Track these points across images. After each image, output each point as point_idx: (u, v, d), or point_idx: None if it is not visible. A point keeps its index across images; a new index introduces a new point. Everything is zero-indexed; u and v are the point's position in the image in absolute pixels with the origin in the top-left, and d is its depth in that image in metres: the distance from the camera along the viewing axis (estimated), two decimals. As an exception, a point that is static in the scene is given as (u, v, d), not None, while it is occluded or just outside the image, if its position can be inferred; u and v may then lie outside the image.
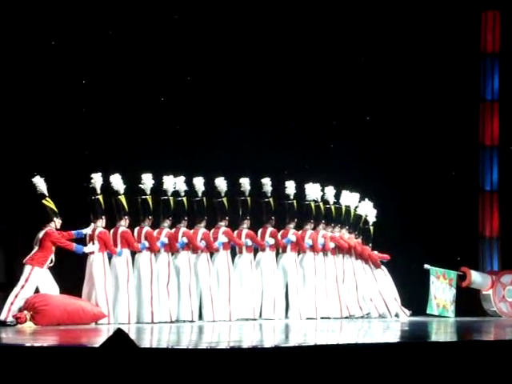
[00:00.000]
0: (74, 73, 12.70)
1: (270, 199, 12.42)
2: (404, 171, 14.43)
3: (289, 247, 12.52)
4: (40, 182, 11.07)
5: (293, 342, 8.01)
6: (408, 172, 14.46)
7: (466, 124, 14.90)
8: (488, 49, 15.09)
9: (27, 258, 10.85)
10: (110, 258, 11.23)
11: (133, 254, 11.42)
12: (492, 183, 15.03)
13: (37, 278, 10.78)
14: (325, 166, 13.58)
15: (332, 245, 12.68)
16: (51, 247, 10.89)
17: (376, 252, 13.19)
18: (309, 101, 14.10)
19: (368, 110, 14.46)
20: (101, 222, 11.24)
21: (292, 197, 12.60)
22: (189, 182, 11.89)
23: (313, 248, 12.60)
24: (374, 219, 13.35)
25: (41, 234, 10.93)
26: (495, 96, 15.07)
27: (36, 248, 10.89)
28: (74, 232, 11.18)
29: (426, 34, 14.54)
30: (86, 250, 11.07)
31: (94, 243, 11.10)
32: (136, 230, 11.54)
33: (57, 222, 11.03)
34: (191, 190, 11.94)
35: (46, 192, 11.08)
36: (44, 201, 11.04)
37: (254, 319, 12.05)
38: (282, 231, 12.59)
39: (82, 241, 11.22)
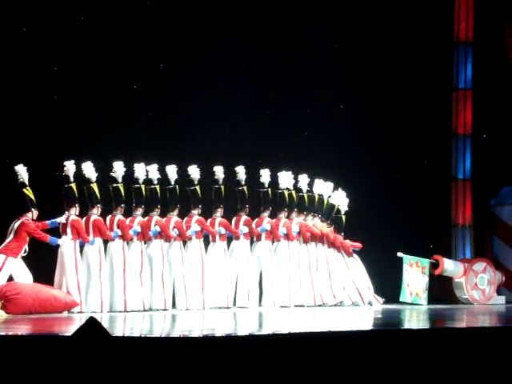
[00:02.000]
0: (45, 60, 12.59)
1: (244, 187, 12.40)
2: (377, 159, 14.46)
3: (263, 235, 12.52)
4: (22, 171, 10.95)
5: (267, 330, 8.00)
6: (381, 160, 14.49)
7: (438, 112, 14.95)
8: (461, 37, 15.12)
9: (1, 247, 10.76)
10: (82, 247, 11.16)
11: (105, 242, 11.36)
12: (465, 171, 15.10)
13: (10, 268, 10.71)
14: (299, 154, 13.57)
15: (295, 229, 12.60)
16: (26, 237, 10.82)
17: (348, 241, 13.22)
18: (283, 89, 14.08)
19: (342, 98, 14.45)
20: (74, 210, 11.17)
21: (267, 185, 12.59)
22: (162, 170, 11.84)
23: (287, 236, 12.60)
24: (347, 208, 13.38)
25: (16, 224, 10.84)
26: (468, 84, 15.11)
27: (11, 237, 10.80)
28: (48, 222, 11.11)
29: (399, 21, 14.55)
30: (61, 242, 11.01)
31: (66, 234, 11.02)
32: (108, 218, 11.48)
33: (34, 212, 10.94)
34: (164, 178, 11.89)
35: (26, 181, 10.96)
36: (24, 190, 10.93)
37: (228, 307, 12.05)
38: (256, 220, 12.57)
39: (56, 230, 11.14)
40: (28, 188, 10.96)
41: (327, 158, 13.69)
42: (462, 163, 15.08)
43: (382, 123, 14.54)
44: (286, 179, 12.75)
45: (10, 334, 7.25)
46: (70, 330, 7.17)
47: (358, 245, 13.24)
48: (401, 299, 13.35)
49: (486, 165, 15.09)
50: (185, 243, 11.95)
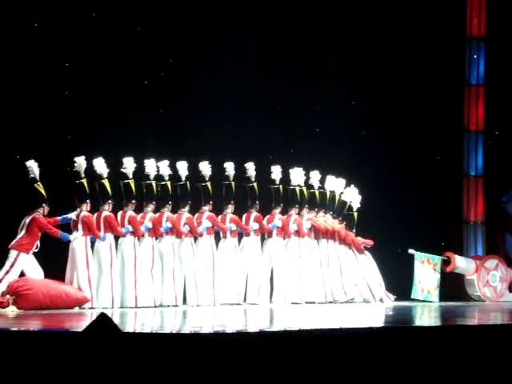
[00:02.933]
0: (56, 56, 12.60)
1: (255, 184, 12.38)
2: (389, 156, 14.41)
3: (274, 232, 12.50)
4: (33, 166, 10.95)
5: (277, 326, 7.98)
6: (393, 157, 14.44)
7: (451, 109, 14.88)
8: (474, 33, 15.06)
9: (13, 242, 10.77)
10: (93, 243, 11.17)
11: (116, 238, 11.35)
12: (477, 168, 15.03)
13: (22, 264, 10.73)
14: (310, 151, 13.54)
15: (307, 226, 12.58)
16: (38, 233, 10.82)
17: (359, 238, 13.19)
18: (294, 85, 14.04)
19: (353, 94, 14.41)
20: (85, 206, 11.16)
21: (278, 182, 12.57)
22: (173, 167, 11.83)
23: (297, 233, 12.58)
24: (359, 205, 13.34)
25: (28, 220, 10.85)
26: (480, 80, 15.04)
27: (22, 233, 10.80)
28: (59, 218, 11.12)
29: (411, 17, 14.49)
30: (72, 237, 11.01)
31: (78, 230, 11.03)
32: (119, 214, 11.48)
33: (45, 208, 10.95)
34: (175, 175, 11.88)
35: (38, 177, 10.97)
36: (36, 185, 10.93)
37: (239, 304, 12.04)
38: (267, 216, 12.56)
39: (67, 226, 11.14)
40: (39, 183, 10.96)
41: (339, 154, 13.67)
42: (474, 160, 15.01)
43: (394, 120, 14.48)
44: (297, 176, 12.73)
45: (22, 329, 7.26)
46: (81, 325, 7.18)
47: (370, 242, 13.20)
48: (412, 296, 13.31)
49: (498, 161, 15.02)
50: (196, 239, 11.94)
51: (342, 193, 13.28)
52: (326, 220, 12.99)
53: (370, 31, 14.41)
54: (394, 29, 14.44)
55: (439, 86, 14.64)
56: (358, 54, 14.39)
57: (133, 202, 11.50)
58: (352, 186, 13.33)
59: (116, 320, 7.20)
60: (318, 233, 12.77)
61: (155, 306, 11.33)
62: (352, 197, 13.33)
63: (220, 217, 12.20)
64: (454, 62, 14.89)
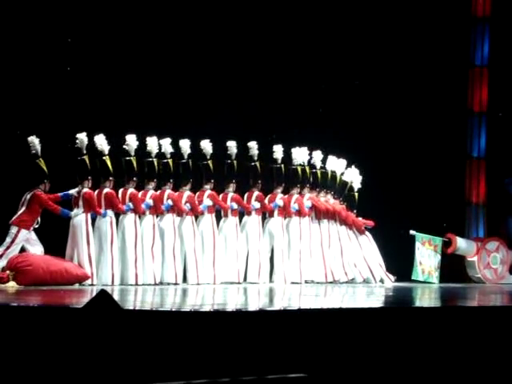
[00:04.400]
0: (58, 31, 12.53)
1: (257, 163, 12.36)
2: (391, 137, 14.38)
3: (276, 212, 12.49)
4: (35, 142, 10.90)
5: (277, 305, 7.98)
6: (395, 138, 14.41)
7: (454, 90, 14.83)
8: (478, 13, 14.97)
9: (14, 218, 10.75)
10: (93, 220, 11.15)
11: (117, 215, 11.34)
12: (480, 150, 15.00)
13: (23, 240, 10.72)
14: (313, 130, 13.50)
15: (307, 204, 12.56)
16: (39, 209, 10.81)
17: (360, 218, 13.17)
18: (298, 64, 13.99)
19: (357, 74, 14.35)
20: (87, 183, 11.13)
21: (280, 161, 12.54)
22: (175, 144, 11.79)
23: (299, 212, 12.56)
24: (360, 186, 13.32)
25: (29, 196, 10.82)
26: (484, 62, 14.97)
27: (23, 209, 10.78)
28: (60, 194, 11.09)
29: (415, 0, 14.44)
30: (73, 214, 10.99)
31: (79, 207, 11.01)
32: (120, 191, 11.45)
33: (46, 184, 10.92)
34: (177, 152, 11.85)
35: (39, 153, 10.93)
36: (37, 161, 10.90)
37: (239, 283, 12.04)
38: (269, 195, 12.54)
39: (68, 202, 11.12)
40: (41, 159, 10.93)
41: (341, 134, 13.62)
42: (477, 141, 14.97)
43: (396, 100, 14.43)
44: (300, 155, 12.70)
45: (22, 304, 7.26)
46: (81, 302, 7.18)
47: (371, 222, 13.19)
48: (413, 277, 13.32)
49: (501, 143, 14.97)
50: (197, 218, 11.93)
51: (342, 173, 13.26)
52: (327, 200, 12.97)
53: (375, 13, 14.33)
54: (398, 11, 14.37)
55: (443, 67, 14.58)
56: (362, 33, 14.32)
57: (134, 179, 11.47)
58: (353, 166, 13.30)
59: (116, 297, 7.20)
60: (319, 213, 12.76)
61: (155, 284, 11.34)
62: (353, 177, 13.31)
63: (221, 195, 12.18)
64: (459, 43, 14.82)
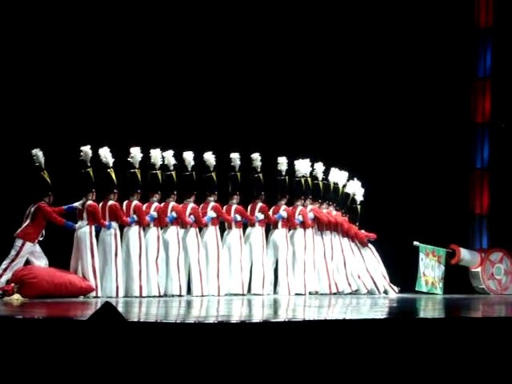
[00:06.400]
0: (62, 42, 12.60)
1: (260, 174, 12.38)
2: (394, 148, 14.40)
3: (280, 223, 12.51)
4: (39, 155, 10.92)
5: (281, 317, 7.99)
6: (398, 149, 14.43)
7: (457, 101, 14.85)
8: (481, 25, 15.01)
9: (18, 231, 10.76)
10: (98, 232, 11.16)
11: (121, 227, 11.36)
12: (483, 161, 15.01)
13: (27, 252, 10.73)
14: (315, 142, 13.53)
15: (310, 216, 12.58)
16: (43, 222, 10.82)
17: (363, 231, 13.18)
18: (300, 77, 14.02)
19: (361, 86, 14.38)
20: (91, 196, 11.15)
21: (284, 173, 12.57)
22: (178, 156, 11.83)
23: (303, 224, 12.58)
24: (362, 198, 13.33)
25: (33, 208, 10.84)
26: (487, 73, 15.00)
27: (28, 222, 10.79)
28: (64, 207, 11.11)
29: (419, 10, 14.46)
30: (77, 226, 11.01)
31: (83, 219, 11.03)
32: (125, 203, 11.47)
33: (51, 196, 10.94)
34: (181, 165, 11.88)
35: (43, 165, 10.95)
36: (41, 174, 10.92)
37: (243, 294, 12.05)
38: (273, 207, 12.56)
39: (72, 215, 11.14)
40: (45, 172, 10.96)
41: (344, 146, 13.65)
42: (481, 152, 14.98)
43: (399, 112, 14.46)
44: (303, 167, 12.73)
45: (27, 317, 7.28)
46: (85, 314, 7.19)
47: (373, 235, 13.20)
48: (416, 288, 13.31)
49: (505, 154, 14.98)
50: (201, 230, 11.95)
51: (344, 185, 13.28)
52: (330, 212, 12.99)
53: (379, 23, 14.37)
54: (402, 21, 14.40)
55: (447, 79, 14.61)
56: (365, 44, 14.36)
57: (138, 191, 11.50)
58: (355, 178, 13.32)
59: (120, 309, 7.22)
60: (322, 225, 12.77)
61: (160, 296, 11.35)
62: (355, 189, 13.32)
63: (225, 207, 12.20)
64: (462, 54, 14.85)
